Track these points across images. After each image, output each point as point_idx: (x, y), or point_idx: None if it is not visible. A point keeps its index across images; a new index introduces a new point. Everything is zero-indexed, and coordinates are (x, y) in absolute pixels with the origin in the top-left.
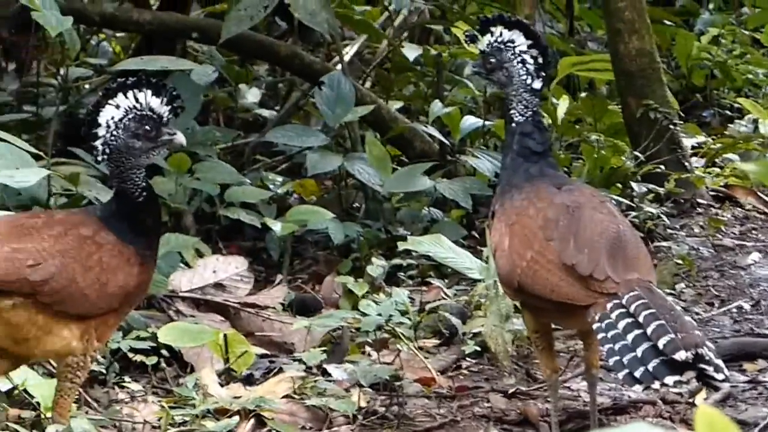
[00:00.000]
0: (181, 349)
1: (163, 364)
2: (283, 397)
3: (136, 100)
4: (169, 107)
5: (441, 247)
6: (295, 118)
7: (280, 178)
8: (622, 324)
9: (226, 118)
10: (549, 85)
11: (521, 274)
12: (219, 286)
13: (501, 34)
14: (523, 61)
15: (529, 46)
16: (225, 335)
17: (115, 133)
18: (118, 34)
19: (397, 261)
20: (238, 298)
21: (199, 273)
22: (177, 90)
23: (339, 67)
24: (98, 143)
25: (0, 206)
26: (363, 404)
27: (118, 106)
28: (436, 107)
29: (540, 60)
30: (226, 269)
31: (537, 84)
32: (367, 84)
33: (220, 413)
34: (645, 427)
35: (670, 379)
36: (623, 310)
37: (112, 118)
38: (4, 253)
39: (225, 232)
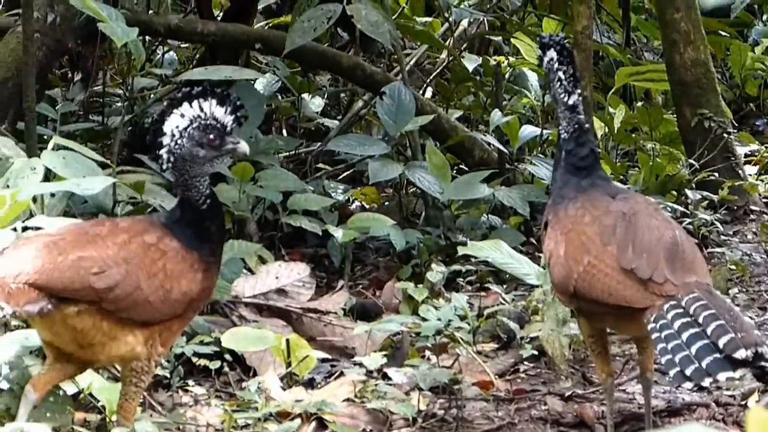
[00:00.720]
0: (244, 353)
1: (227, 369)
2: (344, 400)
3: (201, 109)
4: (233, 117)
5: (500, 253)
6: (357, 127)
7: (341, 186)
8: (677, 324)
9: (289, 128)
10: (606, 95)
11: (578, 280)
12: (281, 291)
13: (547, 54)
14: (560, 79)
15: (561, 63)
16: (287, 340)
17: (179, 141)
18: (182, 45)
19: (456, 267)
20: (300, 303)
21: (262, 279)
22: (241, 99)
23: (400, 77)
24: (163, 152)
25: (66, 213)
26: (422, 407)
27: (182, 115)
28: (496, 116)
29: (572, 77)
30: (289, 275)
31: (571, 100)
32: (428, 94)
33: (282, 416)
34: (698, 428)
35: (723, 376)
36: (680, 310)
37: (177, 126)
38: (69, 261)
39: (287, 239)
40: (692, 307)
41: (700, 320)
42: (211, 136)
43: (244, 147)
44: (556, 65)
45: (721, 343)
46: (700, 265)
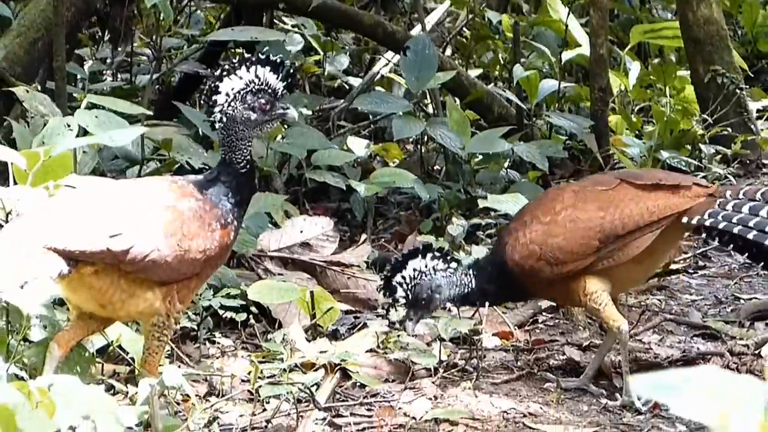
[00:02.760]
0: (270, 306)
1: (252, 321)
2: (367, 351)
3: (256, 74)
4: (285, 83)
5: (520, 206)
6: (379, 84)
7: (365, 142)
8: (746, 207)
9: (312, 86)
10: (622, 51)
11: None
12: (306, 245)
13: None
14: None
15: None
16: (312, 292)
17: (233, 103)
18: (209, 5)
19: (476, 220)
20: (324, 256)
21: (287, 233)
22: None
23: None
24: (216, 110)
25: (95, 171)
26: (444, 357)
27: (240, 78)
28: (518, 70)
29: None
30: (313, 229)
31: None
32: (447, 52)
33: (307, 367)
34: (713, 371)
35: None
36: (742, 198)
37: (233, 89)
38: (86, 224)
39: (312, 194)
40: (757, 193)
41: None
42: (263, 101)
43: (293, 113)
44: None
45: None
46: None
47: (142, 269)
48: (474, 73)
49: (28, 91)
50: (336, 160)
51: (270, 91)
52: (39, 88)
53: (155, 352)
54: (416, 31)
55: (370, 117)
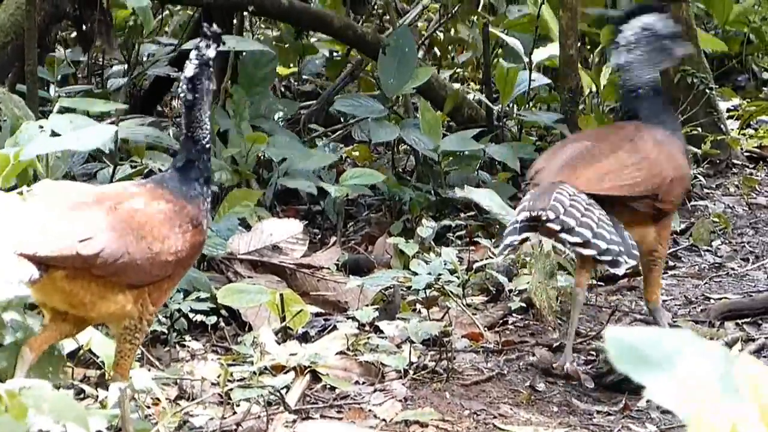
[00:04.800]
0: (240, 309)
1: (223, 324)
2: (337, 353)
3: (207, 46)
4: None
5: (493, 202)
6: (351, 87)
7: (337, 146)
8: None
9: (283, 89)
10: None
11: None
12: (276, 248)
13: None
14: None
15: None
16: (281, 295)
17: (201, 78)
18: (178, 8)
19: (446, 222)
20: (294, 259)
21: (257, 236)
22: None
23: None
24: (188, 90)
25: (66, 176)
26: (414, 359)
27: (208, 52)
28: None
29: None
30: (283, 232)
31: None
32: (419, 54)
33: (277, 369)
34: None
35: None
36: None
37: (198, 65)
38: (55, 229)
39: (283, 196)
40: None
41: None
42: (212, 70)
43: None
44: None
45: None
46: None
47: (113, 273)
48: (445, 73)
49: (3, 93)
50: (312, 165)
51: (210, 62)
52: (8, 92)
53: (127, 356)
54: (388, 33)
55: (342, 120)
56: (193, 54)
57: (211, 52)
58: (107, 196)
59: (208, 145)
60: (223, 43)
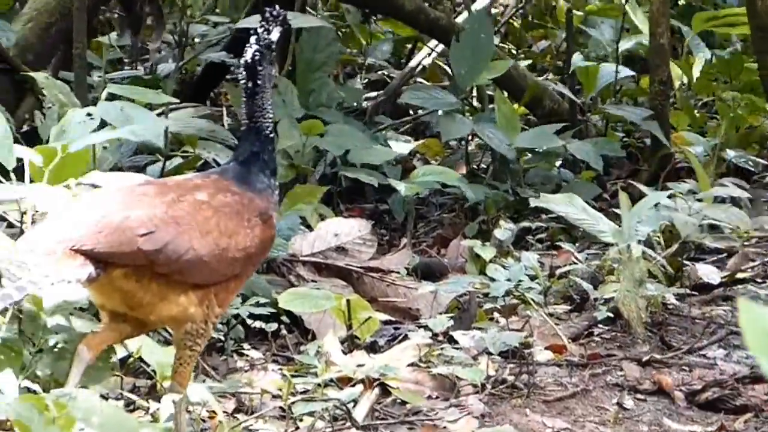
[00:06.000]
0: (303, 315)
1: (284, 331)
2: (408, 365)
3: (268, 31)
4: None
5: (573, 207)
6: (422, 76)
7: (405, 139)
8: None
9: (347, 78)
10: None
11: None
12: (341, 249)
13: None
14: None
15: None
16: (348, 301)
17: (262, 63)
18: None
19: (525, 224)
20: (361, 262)
21: (321, 236)
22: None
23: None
24: (257, 71)
25: (113, 168)
26: (491, 372)
27: (266, 36)
28: (578, 59)
29: None
30: (349, 232)
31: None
32: (496, 41)
33: (343, 382)
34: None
35: None
36: None
37: (258, 49)
38: (114, 223)
39: (347, 195)
40: None
41: None
42: (274, 55)
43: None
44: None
45: None
46: None
47: (177, 270)
48: (523, 63)
49: (48, 79)
50: (374, 158)
51: (272, 45)
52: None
53: (187, 363)
54: (462, 18)
55: (411, 112)
56: (253, 38)
57: (273, 35)
58: (169, 188)
59: (272, 135)
60: (288, 25)
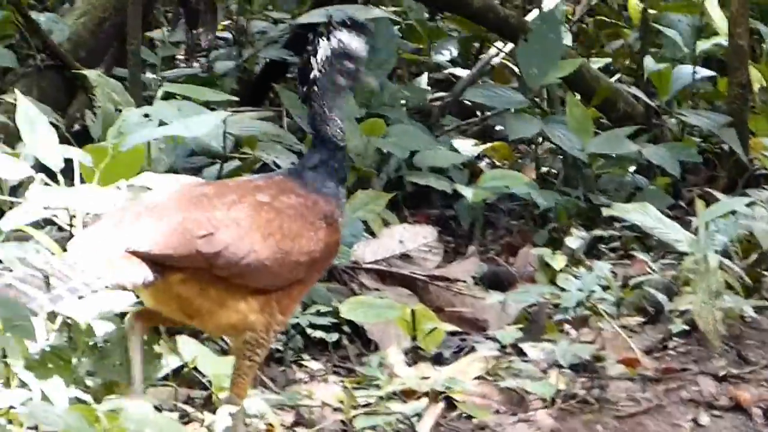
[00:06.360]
0: (365, 325)
1: (345, 342)
2: (474, 378)
3: (340, 38)
4: (367, 47)
5: (647, 216)
6: (487, 76)
7: (472, 141)
8: None
9: (412, 77)
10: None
11: None
12: (406, 257)
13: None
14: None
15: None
16: (413, 310)
17: (323, 69)
18: None
19: (598, 232)
20: (427, 270)
21: (385, 243)
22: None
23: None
24: (310, 77)
25: (169, 170)
26: (561, 387)
27: (328, 43)
28: (650, 63)
29: None
30: (414, 239)
31: None
32: (567, 41)
33: (407, 395)
34: None
35: None
36: None
37: (324, 54)
38: (173, 224)
39: (412, 200)
40: None
41: None
42: (350, 65)
43: (373, 81)
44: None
45: None
46: None
47: (237, 274)
48: (596, 64)
49: (100, 77)
50: (441, 162)
51: (353, 55)
52: (105, 75)
53: (246, 374)
54: (532, 16)
55: (478, 113)
56: (323, 44)
57: (350, 42)
58: (229, 189)
59: (342, 144)
60: (364, 34)
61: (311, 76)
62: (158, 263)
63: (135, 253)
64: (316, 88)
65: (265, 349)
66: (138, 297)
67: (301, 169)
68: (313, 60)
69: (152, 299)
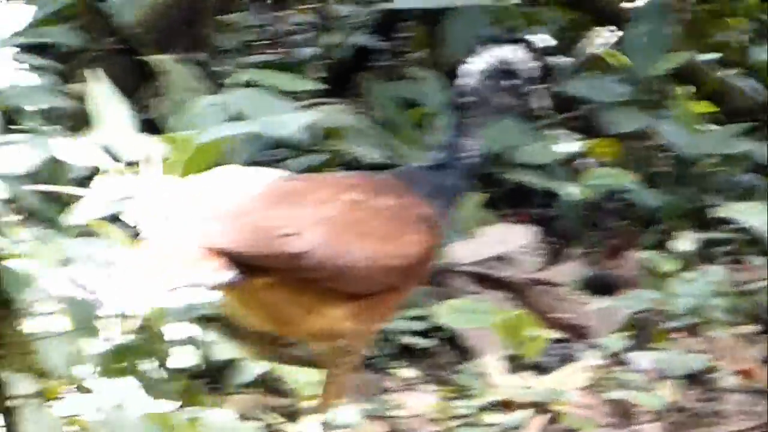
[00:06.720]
0: (461, 331)
1: (440, 348)
2: (578, 388)
3: (508, 54)
4: (537, 71)
5: (762, 218)
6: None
7: (574, 136)
8: None
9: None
10: None
11: None
12: (505, 259)
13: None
14: None
15: None
16: (512, 316)
17: (486, 82)
18: None
19: (709, 234)
20: (528, 273)
21: (483, 244)
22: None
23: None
24: (462, 87)
25: (248, 162)
26: (671, 399)
27: (494, 56)
28: (759, 53)
29: None
30: (514, 240)
31: None
32: (676, 30)
33: (506, 406)
34: None
35: None
36: None
37: (487, 66)
38: (258, 221)
39: (510, 198)
40: None
41: None
42: (516, 84)
43: (546, 102)
44: None
45: None
46: None
47: (328, 278)
48: (707, 55)
49: (172, 62)
50: (540, 158)
51: (523, 74)
52: (180, 61)
53: (336, 383)
54: (637, 3)
55: (580, 106)
56: (488, 53)
57: (513, 58)
58: (322, 186)
59: (468, 161)
60: (537, 54)
61: (467, 87)
62: (241, 263)
63: (216, 251)
64: (471, 99)
65: (356, 357)
66: (218, 300)
67: (413, 170)
68: (473, 69)
69: (236, 305)
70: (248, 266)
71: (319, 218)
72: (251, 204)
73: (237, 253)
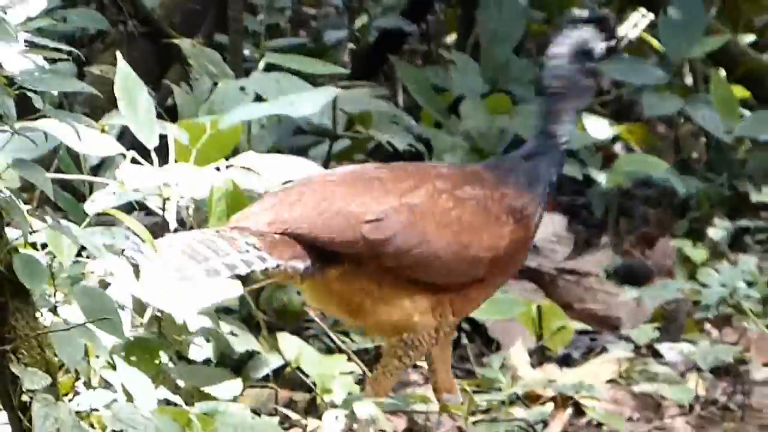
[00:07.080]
0: (486, 322)
1: (465, 340)
2: (606, 381)
3: (593, 35)
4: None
5: None
6: (625, 50)
7: (605, 122)
8: None
9: (540, 49)
10: None
11: None
12: (533, 248)
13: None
14: None
15: None
16: (539, 307)
17: (572, 65)
18: None
19: (743, 222)
20: (555, 262)
21: None
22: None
23: None
24: (549, 72)
25: (272, 149)
26: (701, 392)
27: (581, 37)
28: None
29: None
30: (542, 228)
31: None
32: (711, 12)
33: (532, 399)
34: None
35: None
36: None
37: (575, 48)
38: (337, 207)
39: None
40: None
41: None
42: (592, 64)
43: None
44: None
45: None
46: None
47: (408, 266)
48: (744, 38)
49: (194, 46)
50: (570, 143)
51: (594, 54)
52: (204, 44)
53: (390, 373)
54: None
55: (612, 90)
56: (571, 34)
57: (592, 40)
58: (407, 174)
59: (564, 146)
60: (606, 30)
61: (555, 71)
62: (320, 249)
63: (294, 236)
64: (558, 83)
65: (420, 352)
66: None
67: (508, 160)
68: (561, 52)
69: (311, 291)
70: (327, 253)
71: (400, 206)
72: (333, 190)
73: (314, 237)
